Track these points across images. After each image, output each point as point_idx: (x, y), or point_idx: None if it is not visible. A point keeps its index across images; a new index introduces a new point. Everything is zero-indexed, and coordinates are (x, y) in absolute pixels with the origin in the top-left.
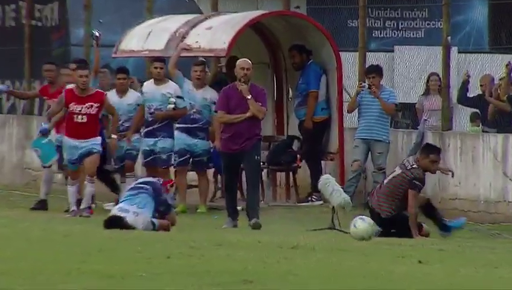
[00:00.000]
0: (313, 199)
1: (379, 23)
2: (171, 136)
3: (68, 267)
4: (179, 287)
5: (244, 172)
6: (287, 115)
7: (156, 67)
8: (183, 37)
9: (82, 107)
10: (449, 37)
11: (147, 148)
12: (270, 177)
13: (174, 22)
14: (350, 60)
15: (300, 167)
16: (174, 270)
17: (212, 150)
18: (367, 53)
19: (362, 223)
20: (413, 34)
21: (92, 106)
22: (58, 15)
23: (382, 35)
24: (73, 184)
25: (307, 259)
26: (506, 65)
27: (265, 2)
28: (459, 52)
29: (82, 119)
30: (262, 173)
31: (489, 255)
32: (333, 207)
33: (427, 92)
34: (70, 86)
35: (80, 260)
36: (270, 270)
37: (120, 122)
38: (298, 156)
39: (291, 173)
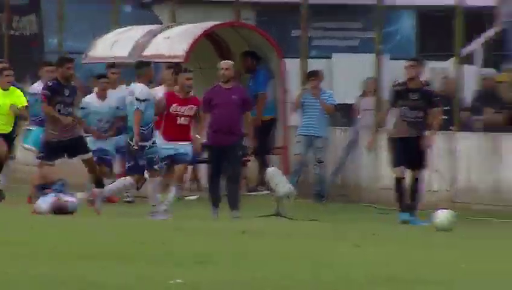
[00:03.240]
0: (261, 189)
1: (319, 33)
2: None
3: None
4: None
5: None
6: None
7: (113, 73)
8: (145, 45)
9: (185, 109)
10: (381, 46)
11: None
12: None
13: (137, 32)
14: (294, 66)
15: (250, 161)
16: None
17: None
18: (308, 60)
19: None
20: (349, 43)
21: (192, 108)
22: (36, 25)
23: (322, 43)
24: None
25: (256, 242)
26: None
27: (216, 14)
28: (390, 59)
29: (185, 120)
30: None
31: (414, 237)
32: (279, 196)
33: (363, 94)
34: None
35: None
36: (222, 251)
37: (102, 123)
38: (248, 150)
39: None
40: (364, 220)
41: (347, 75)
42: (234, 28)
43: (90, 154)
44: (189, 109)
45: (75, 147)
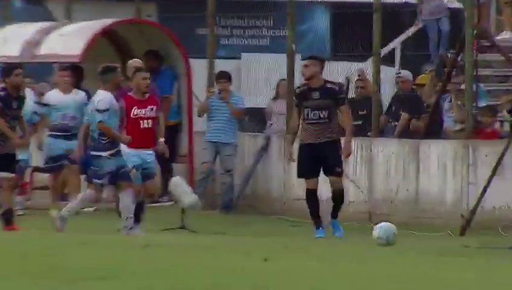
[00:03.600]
0: (164, 200)
1: (226, 31)
2: None
3: None
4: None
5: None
6: None
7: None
8: (38, 44)
9: (146, 111)
10: (293, 45)
11: None
12: None
13: (29, 29)
14: (200, 67)
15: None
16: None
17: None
18: (216, 60)
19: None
20: (259, 42)
21: (152, 108)
22: None
23: (229, 42)
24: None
25: (158, 257)
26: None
27: (116, 10)
28: (302, 59)
29: (148, 123)
30: None
31: (330, 250)
32: (183, 207)
33: (276, 97)
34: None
35: None
36: (124, 267)
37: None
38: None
39: None
40: (275, 233)
41: (257, 76)
42: (135, 26)
43: (13, 175)
44: (150, 110)
45: (4, 163)
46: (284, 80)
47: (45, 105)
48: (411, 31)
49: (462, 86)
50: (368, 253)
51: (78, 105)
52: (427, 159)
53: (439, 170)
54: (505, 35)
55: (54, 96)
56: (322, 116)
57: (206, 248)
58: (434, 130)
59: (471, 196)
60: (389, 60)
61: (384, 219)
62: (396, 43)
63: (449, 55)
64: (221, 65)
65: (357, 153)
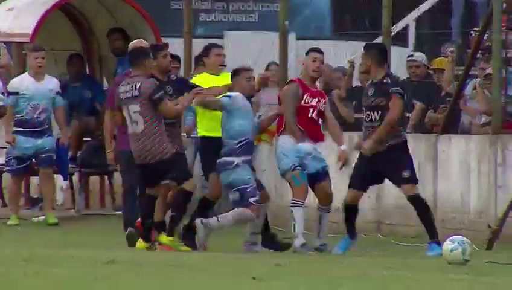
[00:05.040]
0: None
1: (206, 5)
2: None
3: None
4: None
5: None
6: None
7: None
8: None
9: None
10: (286, 22)
11: None
12: (83, 181)
13: None
14: (174, 47)
15: (117, 170)
16: None
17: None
18: (193, 39)
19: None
20: (245, 18)
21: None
22: None
23: (210, 18)
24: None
25: (127, 276)
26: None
27: None
28: (297, 39)
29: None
30: (73, 176)
31: (335, 270)
32: None
33: (265, 84)
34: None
35: None
36: (83, 287)
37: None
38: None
39: (106, 177)
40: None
41: (243, 59)
42: None
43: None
44: (318, 102)
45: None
46: (274, 63)
47: (12, 94)
48: (428, 4)
49: (489, 71)
50: (373, 272)
51: (50, 95)
52: (447, 158)
53: (460, 171)
54: None
55: (24, 83)
56: None
57: (182, 265)
58: (454, 124)
59: (499, 202)
60: (401, 39)
61: (395, 229)
62: (409, 20)
63: (473, 34)
64: (200, 45)
65: None
